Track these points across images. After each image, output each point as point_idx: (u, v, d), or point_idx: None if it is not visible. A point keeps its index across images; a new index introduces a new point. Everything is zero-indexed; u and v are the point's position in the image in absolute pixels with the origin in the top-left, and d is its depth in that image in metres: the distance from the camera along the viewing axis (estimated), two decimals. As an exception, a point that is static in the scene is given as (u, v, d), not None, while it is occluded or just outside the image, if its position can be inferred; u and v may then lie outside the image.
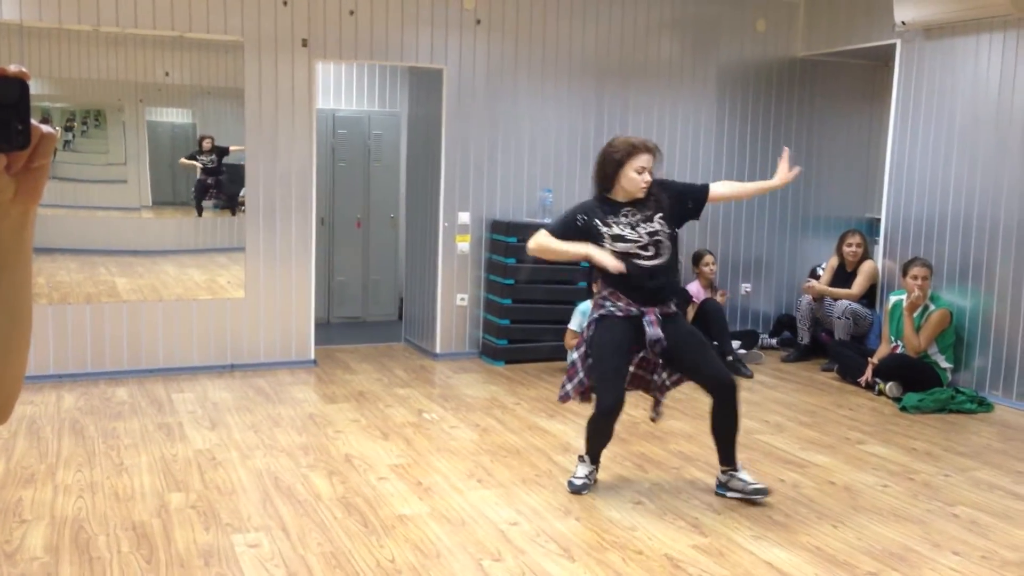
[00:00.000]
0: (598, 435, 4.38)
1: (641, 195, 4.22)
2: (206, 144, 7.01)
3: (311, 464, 4.72)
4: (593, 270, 4.43)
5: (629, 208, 4.23)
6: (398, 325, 8.39)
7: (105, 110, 6.75)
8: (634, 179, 4.18)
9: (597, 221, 4.22)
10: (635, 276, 4.17)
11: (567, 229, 4.29)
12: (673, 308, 4.29)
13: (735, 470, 4.35)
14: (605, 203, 4.28)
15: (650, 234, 4.20)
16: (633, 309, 4.19)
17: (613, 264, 4.09)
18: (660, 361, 4.30)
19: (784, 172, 4.49)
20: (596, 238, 4.22)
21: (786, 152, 4.59)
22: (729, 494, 4.35)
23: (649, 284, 4.19)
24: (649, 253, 4.19)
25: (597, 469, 4.50)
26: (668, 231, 4.22)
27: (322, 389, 6.33)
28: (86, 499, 4.16)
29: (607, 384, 4.19)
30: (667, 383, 4.40)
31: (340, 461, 4.78)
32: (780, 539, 3.88)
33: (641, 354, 4.27)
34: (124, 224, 6.92)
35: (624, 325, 4.19)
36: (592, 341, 4.25)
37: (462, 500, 4.26)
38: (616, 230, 4.20)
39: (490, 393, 6.31)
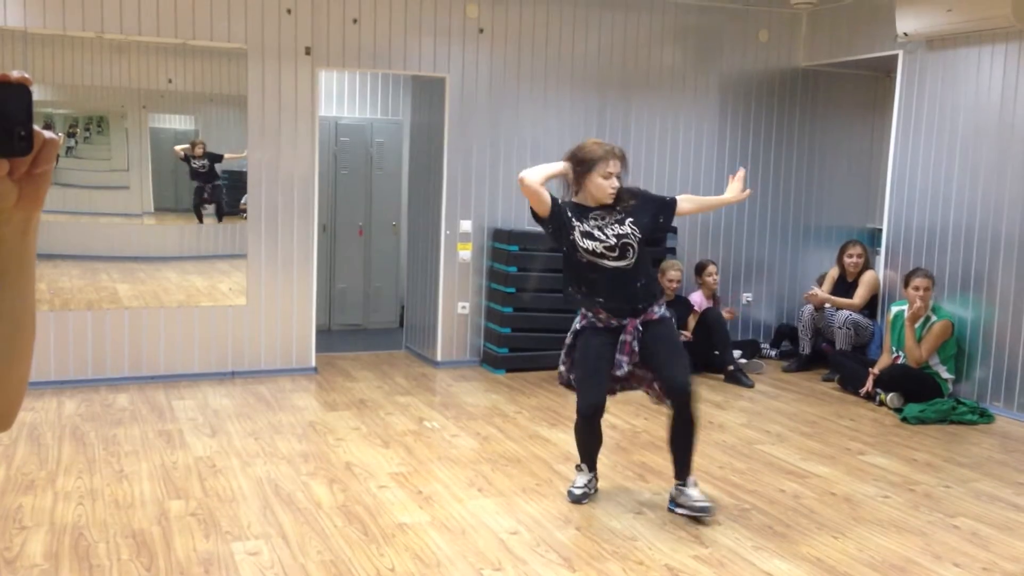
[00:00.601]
0: (585, 439, 4.41)
1: (609, 201, 4.20)
2: (197, 150, 7.00)
3: (311, 472, 4.72)
4: (568, 288, 4.40)
5: (598, 212, 4.23)
6: (399, 333, 8.39)
7: (108, 116, 6.76)
8: (602, 185, 4.16)
9: (570, 214, 4.21)
10: (599, 279, 4.18)
11: (555, 202, 4.24)
12: (657, 314, 4.24)
13: (685, 485, 4.23)
14: (574, 206, 4.26)
15: (618, 236, 4.17)
16: (613, 322, 4.20)
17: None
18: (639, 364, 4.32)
19: (736, 190, 4.54)
20: (567, 228, 4.19)
21: (741, 172, 4.62)
22: (678, 510, 4.22)
23: (615, 288, 4.17)
24: (615, 255, 4.17)
25: (596, 477, 4.49)
26: (638, 236, 4.20)
27: (323, 396, 6.33)
28: (86, 506, 4.15)
29: (585, 388, 4.24)
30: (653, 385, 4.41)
31: (340, 469, 4.78)
32: (780, 550, 3.87)
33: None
34: (126, 230, 6.93)
35: (605, 334, 4.22)
36: (575, 348, 4.31)
37: (462, 509, 4.25)
38: (586, 227, 4.18)
39: (491, 402, 6.30)
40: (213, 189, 7.12)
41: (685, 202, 4.48)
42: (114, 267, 6.81)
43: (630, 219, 4.21)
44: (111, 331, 6.47)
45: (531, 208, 4.28)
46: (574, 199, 4.28)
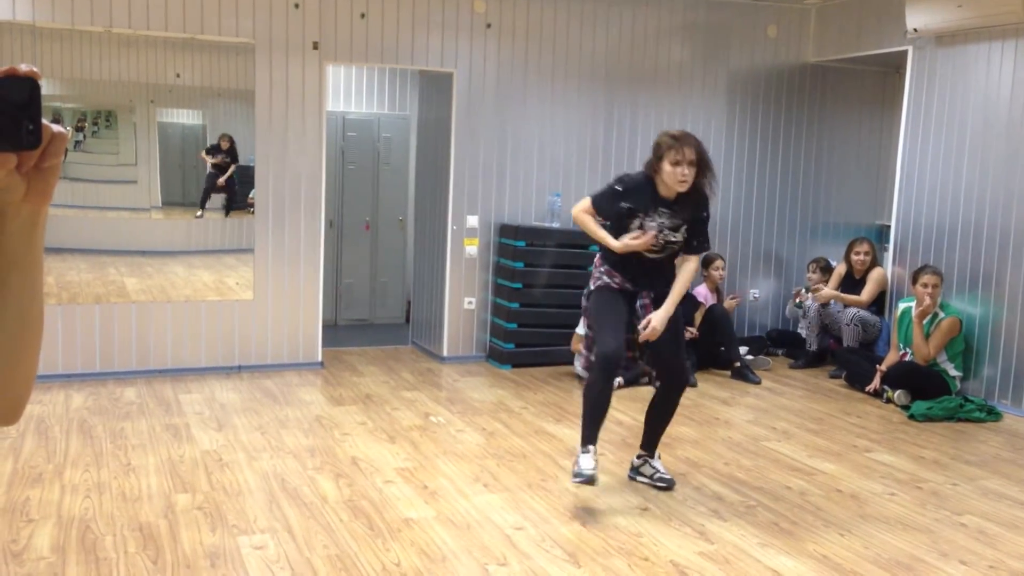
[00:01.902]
0: (598, 400, 4.22)
1: (681, 189, 4.21)
2: (223, 143, 7.01)
3: (317, 466, 4.73)
4: (599, 248, 4.50)
5: (667, 209, 4.28)
6: (405, 328, 8.39)
7: (116, 111, 6.77)
8: (670, 171, 4.19)
9: (637, 212, 4.27)
10: (636, 263, 4.32)
11: (609, 205, 4.35)
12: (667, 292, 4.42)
13: (651, 457, 4.58)
14: (654, 193, 4.29)
15: (668, 243, 4.31)
16: (628, 286, 4.35)
17: (645, 240, 4.23)
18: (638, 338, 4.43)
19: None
20: (625, 224, 4.31)
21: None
22: (639, 479, 4.59)
23: (642, 269, 4.34)
24: (657, 250, 4.32)
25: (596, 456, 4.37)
26: (683, 240, 4.34)
27: (329, 391, 6.34)
28: (93, 499, 4.16)
29: (606, 332, 4.22)
30: (638, 360, 4.68)
31: (346, 464, 4.78)
32: (787, 547, 3.87)
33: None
34: (134, 225, 6.94)
35: (620, 295, 4.35)
36: (591, 307, 4.39)
37: (468, 504, 4.25)
38: (644, 227, 4.29)
39: (497, 397, 6.30)
40: (227, 180, 7.12)
41: (687, 267, 4.43)
42: (122, 261, 6.82)
43: (685, 227, 4.31)
44: (119, 325, 6.49)
45: None
46: (656, 187, 4.30)
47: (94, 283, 6.59)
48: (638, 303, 4.36)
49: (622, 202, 4.32)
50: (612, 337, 4.20)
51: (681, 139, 4.19)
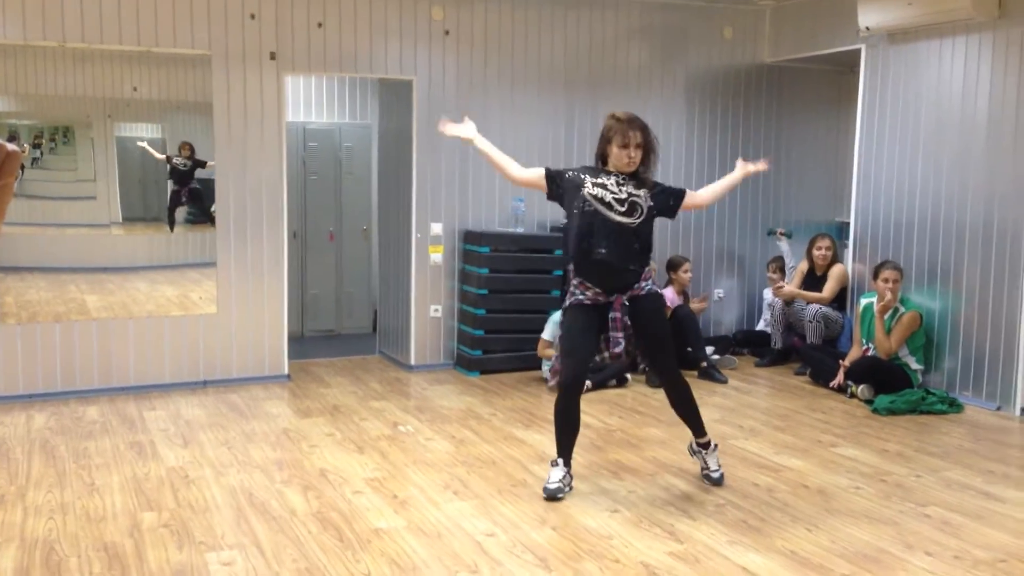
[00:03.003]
0: (564, 420, 4.42)
1: (628, 170, 4.33)
2: (184, 151, 6.98)
3: (285, 480, 4.70)
4: (572, 250, 4.46)
5: (619, 176, 4.35)
6: (372, 337, 8.37)
7: (73, 126, 6.70)
8: (617, 154, 4.31)
9: (585, 177, 4.35)
10: (603, 230, 4.25)
11: (558, 175, 4.45)
12: (644, 289, 4.41)
13: (706, 448, 4.64)
14: (600, 169, 4.41)
15: (629, 194, 4.31)
16: (600, 299, 4.35)
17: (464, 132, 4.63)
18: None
19: (743, 166, 4.75)
20: (575, 188, 4.34)
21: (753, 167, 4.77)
22: (696, 463, 4.76)
23: (616, 240, 4.26)
24: (623, 209, 4.29)
25: (571, 475, 4.49)
26: (649, 204, 4.35)
27: (296, 403, 6.30)
28: (57, 520, 4.11)
29: (568, 360, 4.37)
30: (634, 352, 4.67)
31: (315, 476, 4.76)
32: (755, 543, 3.90)
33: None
34: (94, 241, 6.86)
35: (592, 312, 4.37)
36: (564, 326, 4.47)
37: (438, 512, 4.25)
38: (600, 180, 4.33)
39: (465, 404, 6.30)
40: (190, 192, 7.08)
41: (694, 196, 4.59)
42: (82, 278, 6.74)
43: (644, 190, 4.35)
44: (80, 343, 6.41)
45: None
46: (603, 166, 4.42)
47: (54, 301, 6.51)
48: (609, 316, 4.35)
49: (569, 172, 4.44)
50: (574, 365, 4.36)
51: (628, 122, 4.31)
